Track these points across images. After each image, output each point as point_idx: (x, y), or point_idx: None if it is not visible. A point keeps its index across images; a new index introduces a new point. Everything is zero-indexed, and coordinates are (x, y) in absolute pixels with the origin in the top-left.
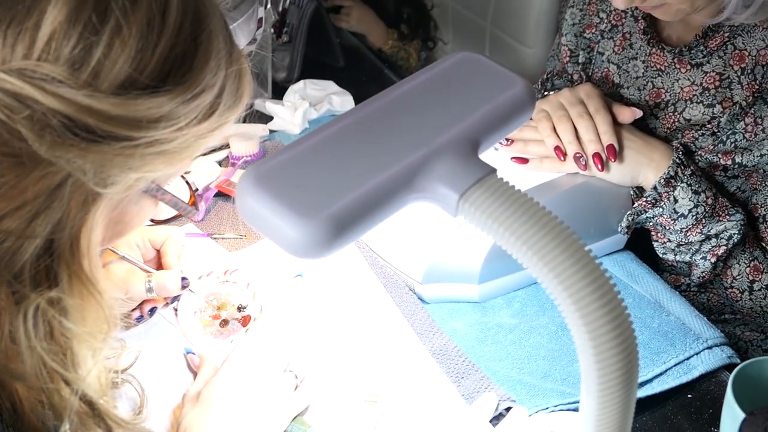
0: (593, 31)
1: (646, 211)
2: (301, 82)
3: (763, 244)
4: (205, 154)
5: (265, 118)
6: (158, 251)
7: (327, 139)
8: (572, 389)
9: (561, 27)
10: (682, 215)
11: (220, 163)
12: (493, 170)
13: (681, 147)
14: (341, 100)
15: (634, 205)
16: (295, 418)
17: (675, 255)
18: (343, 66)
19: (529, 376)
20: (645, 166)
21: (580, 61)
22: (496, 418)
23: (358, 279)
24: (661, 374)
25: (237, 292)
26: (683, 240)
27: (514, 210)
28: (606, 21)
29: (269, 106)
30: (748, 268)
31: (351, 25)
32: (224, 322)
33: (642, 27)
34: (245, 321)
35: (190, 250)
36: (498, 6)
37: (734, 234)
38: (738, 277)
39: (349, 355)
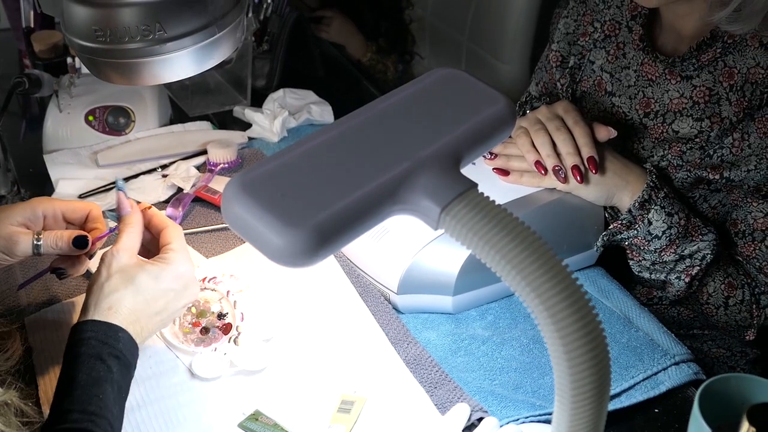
0: (587, 39)
1: (620, 233)
2: (281, 91)
3: (739, 259)
4: (183, 159)
5: (244, 125)
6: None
7: (313, 150)
8: (543, 401)
9: (552, 37)
10: (656, 236)
11: (198, 169)
12: (474, 185)
13: (654, 170)
14: (320, 110)
15: (609, 227)
16: (275, 425)
17: (650, 273)
18: (322, 76)
19: (500, 387)
20: (621, 188)
21: (569, 64)
22: (468, 429)
23: (334, 288)
24: (629, 389)
25: (216, 300)
26: (657, 259)
27: (494, 224)
28: (600, 31)
29: (248, 114)
30: (722, 285)
31: (331, 36)
32: (205, 330)
33: (637, 36)
34: (226, 329)
35: None
36: (475, 22)
37: (707, 254)
38: (713, 294)
39: (323, 362)
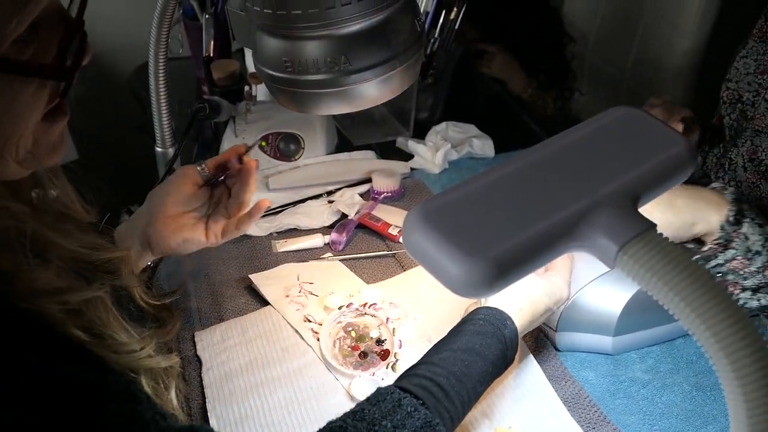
0: (766, 77)
1: (716, 257)
2: (443, 124)
3: None
4: (348, 186)
5: (405, 156)
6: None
7: (493, 183)
8: None
9: (730, 76)
10: (757, 252)
11: (362, 196)
12: (653, 225)
13: (726, 185)
14: (482, 144)
15: (703, 249)
16: None
17: (759, 301)
18: (484, 110)
19: None
20: (702, 209)
21: (743, 100)
22: None
23: None
24: None
25: (375, 326)
26: (762, 281)
27: (674, 266)
28: None
29: (411, 145)
30: None
31: (493, 71)
32: (363, 354)
33: None
34: (384, 355)
35: (327, 275)
36: (636, 61)
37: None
38: None
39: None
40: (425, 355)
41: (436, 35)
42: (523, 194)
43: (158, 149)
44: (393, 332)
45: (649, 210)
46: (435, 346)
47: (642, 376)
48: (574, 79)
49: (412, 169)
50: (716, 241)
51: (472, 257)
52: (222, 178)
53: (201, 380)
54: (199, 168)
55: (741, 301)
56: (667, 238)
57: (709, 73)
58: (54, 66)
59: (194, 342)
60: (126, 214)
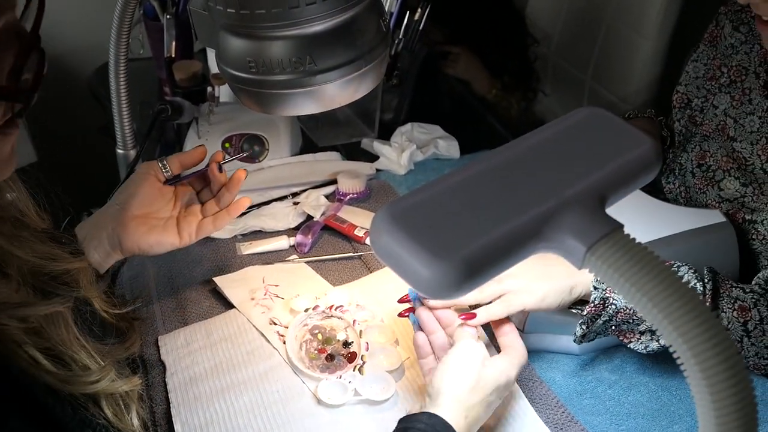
0: (713, 83)
1: (600, 315)
2: (409, 125)
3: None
4: (314, 188)
5: (371, 157)
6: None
7: (460, 184)
8: None
9: (681, 80)
10: None
11: (327, 198)
12: (620, 226)
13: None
14: (447, 145)
15: (584, 313)
16: None
17: (658, 341)
18: (448, 111)
19: None
20: (577, 272)
21: (692, 105)
22: None
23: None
24: None
25: (342, 328)
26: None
27: (642, 266)
28: (726, 76)
29: (377, 146)
30: (735, 312)
31: (457, 72)
32: (330, 357)
33: (762, 83)
34: (351, 357)
35: (293, 277)
36: (599, 61)
37: (696, 282)
38: (730, 327)
39: None
40: None
41: (401, 36)
42: (490, 195)
43: (119, 151)
44: (360, 334)
45: (526, 285)
46: None
47: (608, 376)
48: (538, 80)
49: (377, 170)
50: (593, 303)
51: (441, 258)
52: (186, 176)
53: (165, 385)
54: (160, 165)
55: (642, 345)
56: (634, 239)
57: (671, 74)
58: (9, 87)
59: (158, 346)
60: (87, 216)
